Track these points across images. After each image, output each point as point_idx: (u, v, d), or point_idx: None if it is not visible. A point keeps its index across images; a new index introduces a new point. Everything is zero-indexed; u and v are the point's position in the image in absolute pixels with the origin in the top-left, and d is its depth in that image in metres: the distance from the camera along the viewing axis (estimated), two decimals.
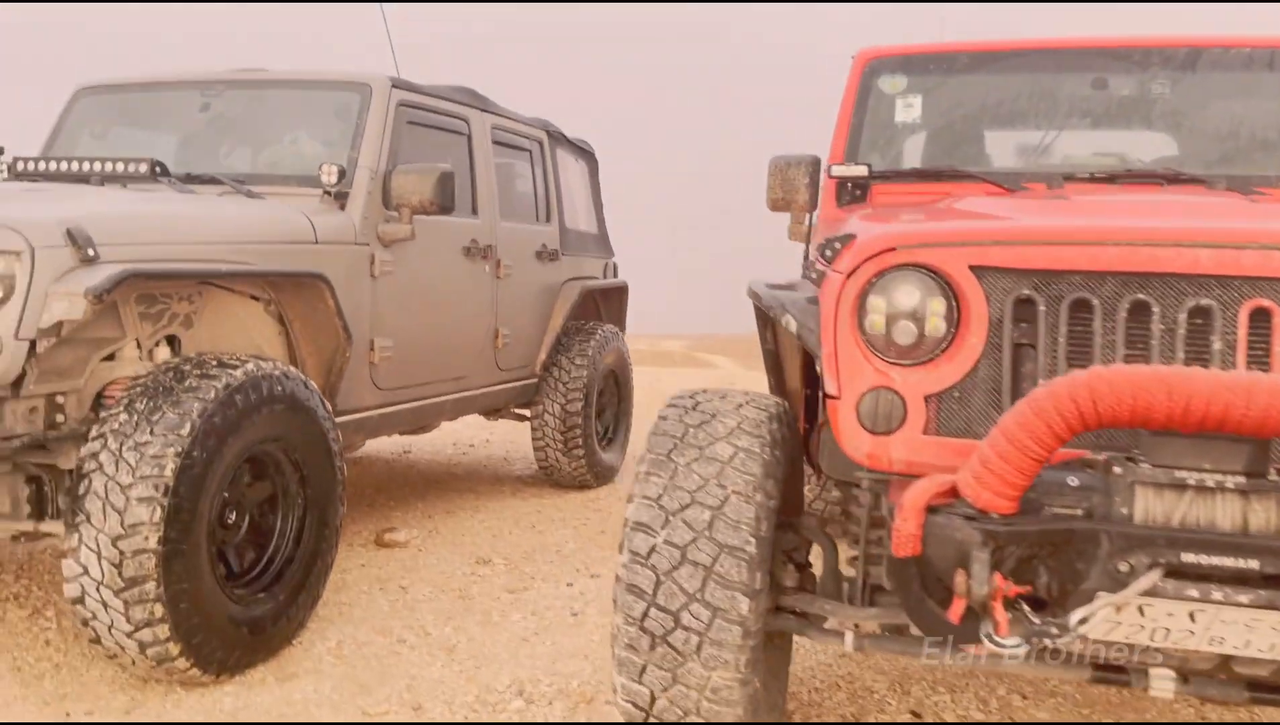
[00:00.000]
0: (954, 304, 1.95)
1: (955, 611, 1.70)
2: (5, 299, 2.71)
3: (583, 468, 5.58)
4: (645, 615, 2.13)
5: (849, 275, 2.00)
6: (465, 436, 7.21)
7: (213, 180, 3.84)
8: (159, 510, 2.66)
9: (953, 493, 1.73)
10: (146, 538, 2.65)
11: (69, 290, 2.71)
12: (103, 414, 2.82)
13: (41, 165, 3.76)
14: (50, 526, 2.98)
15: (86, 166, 3.65)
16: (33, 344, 2.72)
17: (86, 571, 2.67)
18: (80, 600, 2.70)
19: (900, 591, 1.80)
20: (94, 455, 2.72)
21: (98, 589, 2.67)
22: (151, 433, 2.72)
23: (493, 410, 5.31)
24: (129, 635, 2.70)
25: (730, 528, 2.13)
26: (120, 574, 2.64)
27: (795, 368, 2.90)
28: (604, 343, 5.74)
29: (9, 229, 2.72)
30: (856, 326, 2.00)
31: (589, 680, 3.01)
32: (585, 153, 6.25)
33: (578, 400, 5.48)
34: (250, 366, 2.99)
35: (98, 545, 2.65)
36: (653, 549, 2.15)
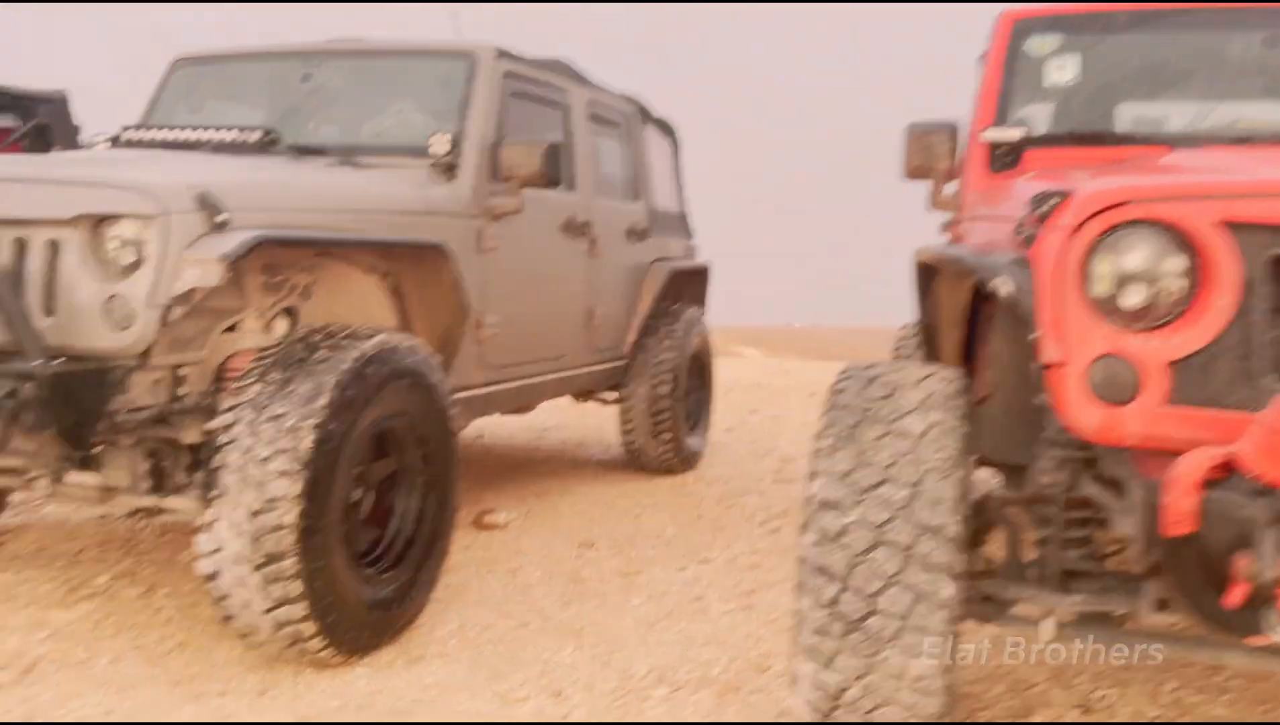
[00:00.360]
0: (1193, 263, 1.79)
1: (1234, 597, 1.55)
2: (136, 265, 2.63)
3: (669, 452, 5.46)
4: (837, 599, 2.00)
5: (1074, 232, 1.85)
6: (538, 421, 7.10)
7: (319, 151, 3.74)
8: (298, 484, 2.56)
9: (1226, 467, 1.58)
10: (285, 513, 2.55)
11: (202, 256, 2.61)
12: (235, 385, 2.72)
13: (150, 134, 3.68)
14: (173, 502, 2.90)
15: (197, 135, 3.56)
16: (164, 312, 2.63)
17: (222, 547, 2.58)
18: (215, 577, 2.61)
19: (1175, 575, 1.65)
20: (228, 427, 2.63)
21: (234, 565, 2.58)
22: (288, 405, 2.62)
23: (585, 392, 5.19)
24: (264, 613, 2.61)
25: (930, 506, 1.99)
26: (258, 550, 2.55)
27: (953, 341, 2.75)
28: (690, 325, 5.61)
29: (140, 192, 2.63)
30: (1081, 288, 1.85)
31: (729, 668, 2.88)
32: (668, 130, 6.11)
33: (666, 383, 5.35)
34: (380, 338, 2.89)
35: (235, 520, 2.56)
36: (844, 529, 2.02)
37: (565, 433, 6.87)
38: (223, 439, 2.62)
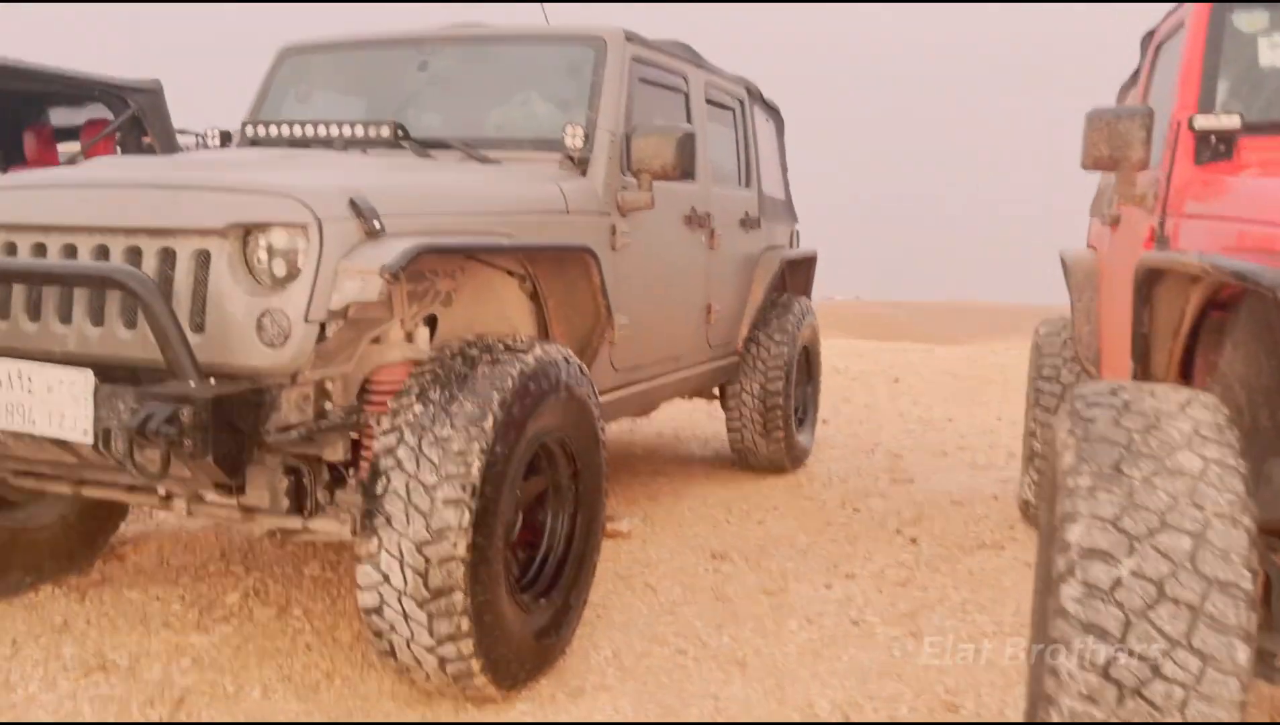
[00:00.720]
0: None
1: None
2: (290, 277, 2.45)
3: (780, 451, 5.24)
4: (1111, 662, 1.77)
5: None
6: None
7: (441, 144, 3.54)
8: (467, 513, 2.38)
9: None
10: (455, 544, 2.37)
11: (361, 267, 2.43)
12: (393, 404, 2.55)
13: (272, 130, 3.51)
14: (319, 524, 2.74)
15: (325, 131, 3.39)
16: (321, 328, 2.46)
17: (387, 579, 2.41)
18: (377, 611, 2.44)
19: None
20: (390, 451, 2.45)
21: (399, 599, 2.41)
22: (452, 426, 2.44)
23: (700, 391, 4.99)
24: (429, 650, 2.44)
25: (1219, 558, 1.75)
26: (426, 584, 2.38)
27: (1172, 353, 2.50)
28: (801, 317, 5.37)
29: (293, 199, 2.45)
30: None
31: (916, 706, 2.67)
32: (774, 111, 5.85)
33: (778, 379, 5.13)
34: (538, 351, 2.70)
35: (400, 551, 2.39)
36: (1117, 582, 1.79)
37: (656, 426, 6.67)
38: (384, 463, 2.45)
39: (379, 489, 2.43)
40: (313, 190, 2.49)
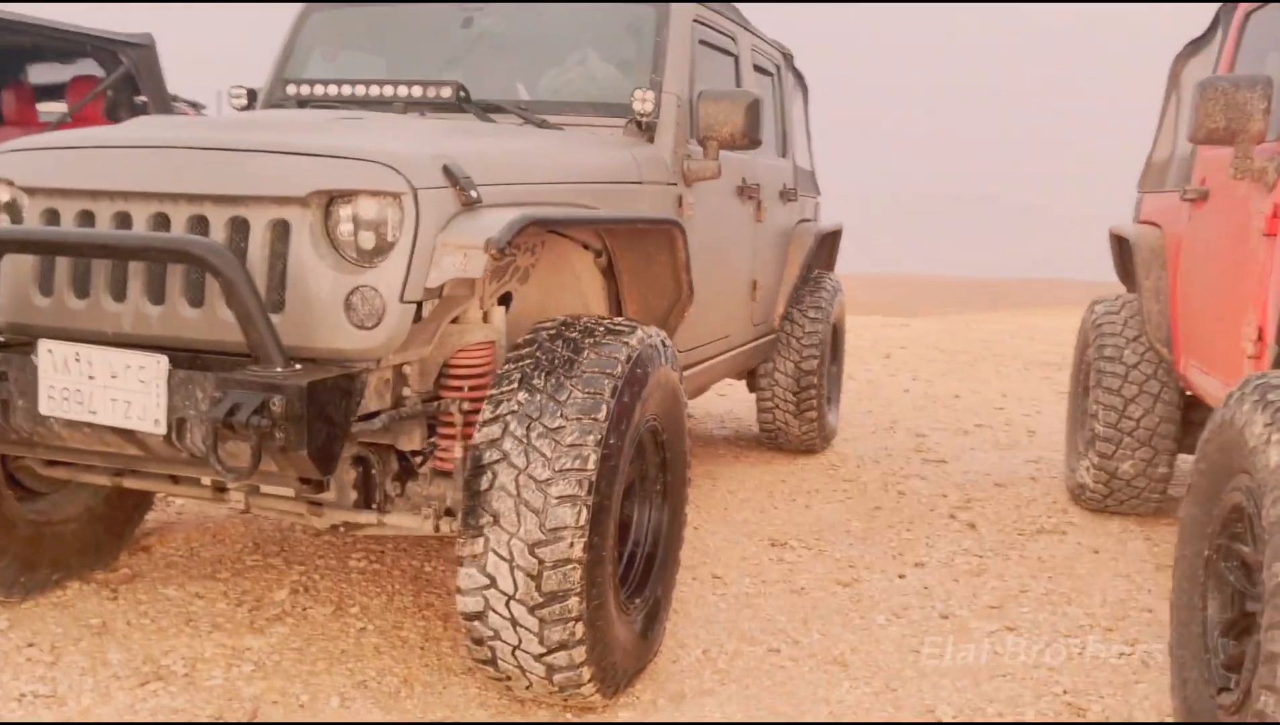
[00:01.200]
0: None
1: None
2: (379, 252, 2.22)
3: (813, 431, 5.09)
4: None
5: None
6: None
7: (494, 108, 3.29)
8: (584, 512, 2.18)
9: None
10: (571, 544, 2.17)
11: (462, 241, 2.21)
12: (491, 392, 2.33)
13: (320, 90, 3.23)
14: (396, 520, 2.52)
15: (382, 91, 3.12)
16: (418, 308, 2.23)
17: (494, 583, 2.20)
18: (480, 617, 2.24)
19: None
20: (494, 443, 2.23)
21: (506, 605, 2.21)
22: (564, 416, 2.23)
23: (743, 373, 4.81)
24: (538, 659, 2.25)
25: None
26: (538, 588, 2.17)
27: None
28: (833, 293, 5.21)
29: (384, 165, 2.22)
30: None
31: (1043, 710, 2.53)
32: (801, 79, 5.65)
33: (813, 357, 4.96)
34: (640, 333, 2.49)
35: (510, 553, 2.18)
36: None
37: None
38: (488, 456, 2.23)
39: (483, 484, 2.22)
40: (405, 155, 2.25)
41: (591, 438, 2.21)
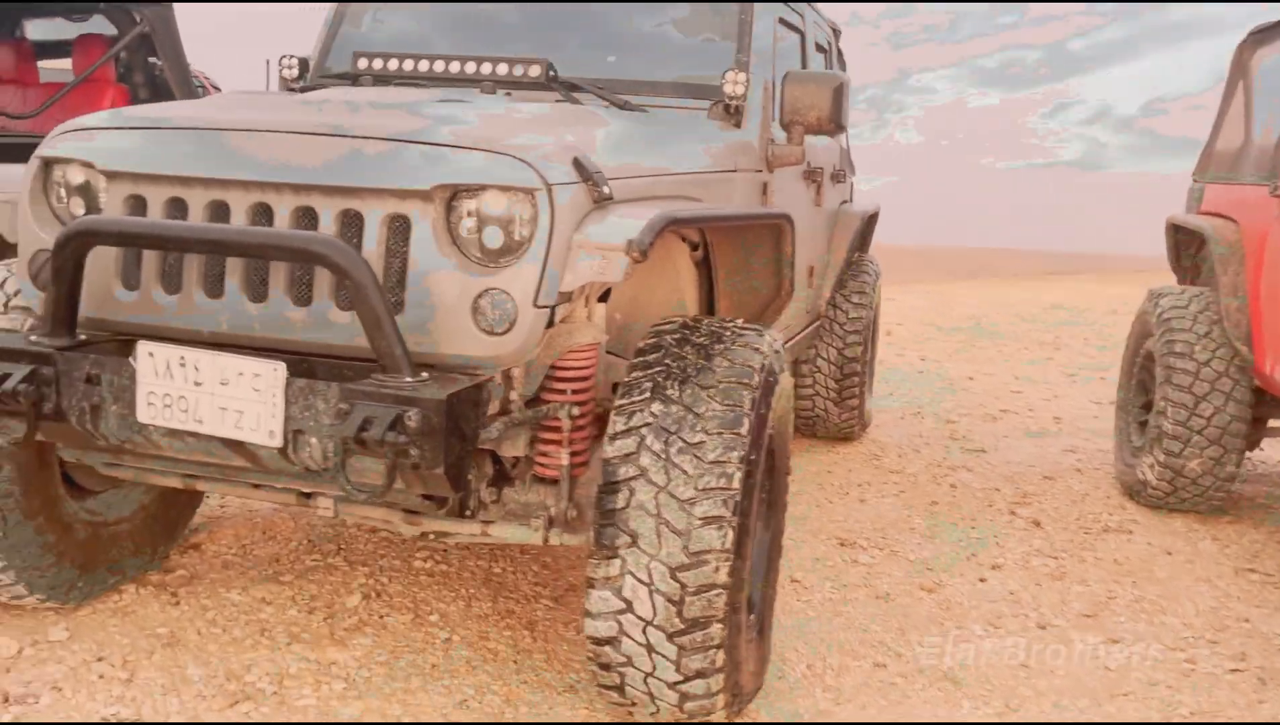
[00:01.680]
0: None
1: None
2: (510, 251, 2.05)
3: (853, 418, 4.99)
4: None
5: None
6: None
7: (574, 86, 3.10)
8: (729, 534, 2.05)
9: None
10: (716, 569, 2.04)
11: (601, 243, 2.05)
12: (620, 402, 2.18)
13: (394, 64, 3.02)
14: (502, 529, 2.37)
15: (460, 68, 2.93)
16: (552, 313, 2.07)
17: (629, 607, 2.06)
18: (612, 642, 2.11)
19: None
20: (629, 457, 2.09)
21: (643, 631, 2.07)
22: (705, 430, 2.09)
23: (795, 362, 4.68)
24: (672, 686, 2.12)
25: None
26: (680, 615, 2.04)
27: None
28: (875, 277, 5.10)
29: (516, 158, 2.05)
30: None
31: None
32: (841, 55, 5.49)
33: (857, 344, 4.85)
34: (768, 339, 2.35)
35: (649, 576, 2.05)
36: None
37: None
38: (623, 471, 2.09)
39: (619, 502, 2.07)
40: (536, 147, 2.08)
41: (735, 454, 2.07)
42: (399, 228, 2.07)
